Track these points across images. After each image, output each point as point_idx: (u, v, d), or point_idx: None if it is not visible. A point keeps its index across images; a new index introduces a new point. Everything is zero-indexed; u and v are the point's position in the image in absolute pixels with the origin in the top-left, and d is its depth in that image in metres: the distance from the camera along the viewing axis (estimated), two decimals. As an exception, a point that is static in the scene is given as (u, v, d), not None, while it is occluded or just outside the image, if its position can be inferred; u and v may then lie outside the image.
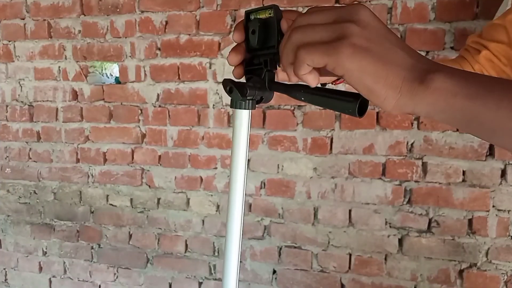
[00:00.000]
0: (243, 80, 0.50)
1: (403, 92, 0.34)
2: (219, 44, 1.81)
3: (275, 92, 0.50)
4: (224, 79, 0.47)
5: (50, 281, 2.22)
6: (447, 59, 1.05)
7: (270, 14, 0.46)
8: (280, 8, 0.46)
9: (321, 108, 1.69)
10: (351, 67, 0.35)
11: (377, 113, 1.67)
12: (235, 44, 0.50)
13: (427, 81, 0.34)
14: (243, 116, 0.48)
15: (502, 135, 0.34)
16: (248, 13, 0.48)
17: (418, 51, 0.39)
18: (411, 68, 0.35)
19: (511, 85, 0.33)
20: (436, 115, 0.35)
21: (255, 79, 0.49)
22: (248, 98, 0.47)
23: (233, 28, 1.77)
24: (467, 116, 0.34)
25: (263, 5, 1.72)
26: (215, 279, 1.96)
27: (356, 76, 0.35)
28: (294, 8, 1.67)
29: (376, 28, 0.36)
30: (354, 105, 0.40)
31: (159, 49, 1.89)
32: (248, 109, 0.48)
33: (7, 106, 2.14)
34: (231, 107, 0.49)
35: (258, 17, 0.47)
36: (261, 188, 1.84)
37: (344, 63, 0.35)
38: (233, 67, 0.50)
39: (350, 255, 1.77)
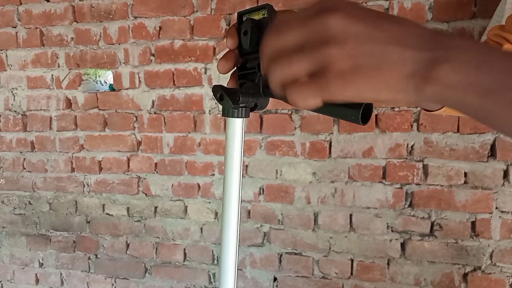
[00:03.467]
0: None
1: (411, 92, 0.31)
2: (214, 48, 1.78)
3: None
4: (214, 86, 0.43)
5: (47, 293, 2.18)
6: None
7: (263, 14, 0.43)
8: (275, 9, 0.43)
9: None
10: (349, 94, 0.32)
11: (376, 115, 1.65)
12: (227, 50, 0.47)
13: (433, 79, 0.30)
14: (236, 125, 0.45)
15: None
16: (240, 15, 0.45)
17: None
18: (413, 62, 0.31)
19: None
20: (450, 108, 0.32)
21: (249, 85, 0.46)
22: (240, 105, 0.44)
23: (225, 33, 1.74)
24: (478, 113, 0.31)
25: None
26: (215, 288, 1.93)
27: (358, 98, 0.33)
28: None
29: (356, 34, 0.31)
30: (357, 111, 0.37)
31: (153, 55, 1.86)
32: (241, 117, 0.45)
33: (0, 116, 2.10)
34: (222, 116, 0.45)
35: (251, 18, 0.44)
36: (259, 194, 1.81)
37: (340, 93, 0.32)
38: (228, 79, 0.47)
39: (352, 260, 1.74)
